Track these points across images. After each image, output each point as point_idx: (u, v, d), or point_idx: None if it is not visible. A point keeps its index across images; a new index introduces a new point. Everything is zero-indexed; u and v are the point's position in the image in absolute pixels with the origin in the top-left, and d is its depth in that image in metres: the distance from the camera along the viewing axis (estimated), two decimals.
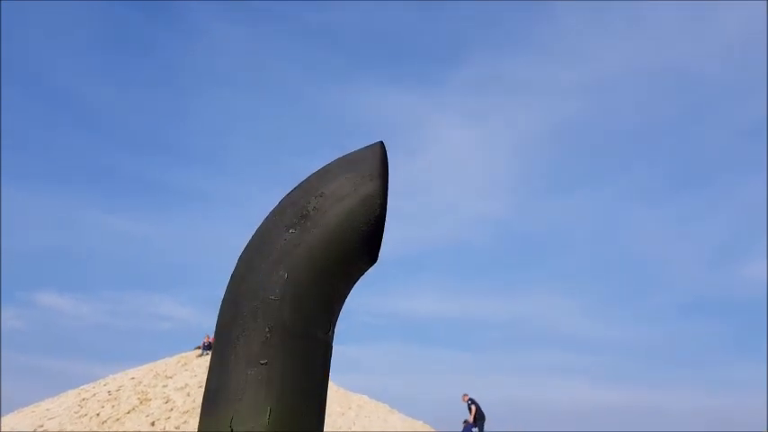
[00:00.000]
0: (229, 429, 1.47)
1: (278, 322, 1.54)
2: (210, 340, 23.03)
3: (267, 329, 1.53)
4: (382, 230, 1.69)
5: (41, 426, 17.00)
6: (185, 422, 17.47)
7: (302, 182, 1.72)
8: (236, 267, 1.67)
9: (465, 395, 21.61)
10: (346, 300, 1.74)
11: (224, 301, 1.64)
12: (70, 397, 19.72)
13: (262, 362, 1.51)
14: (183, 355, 23.51)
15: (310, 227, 1.62)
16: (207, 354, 22.78)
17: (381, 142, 1.76)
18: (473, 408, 21.10)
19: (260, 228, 1.69)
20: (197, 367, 21.82)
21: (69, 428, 16.67)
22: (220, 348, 1.57)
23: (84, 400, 19.04)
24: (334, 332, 1.66)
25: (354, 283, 1.74)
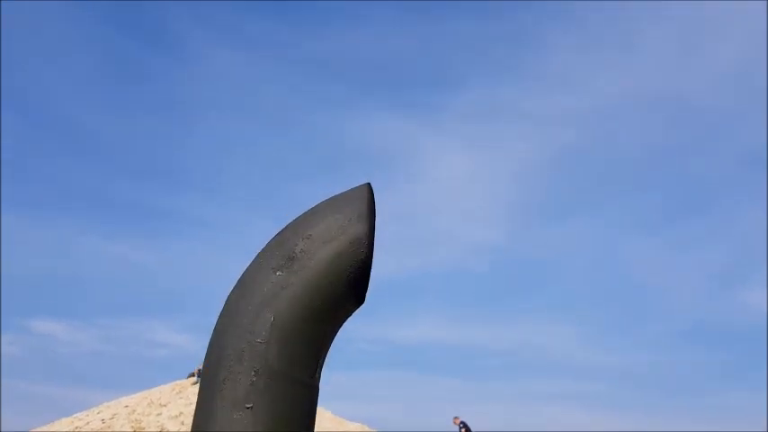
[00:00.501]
0: None
1: (264, 366, 1.55)
2: None
3: (253, 373, 1.54)
4: (369, 273, 1.70)
5: None
6: None
7: (289, 223, 1.74)
8: (222, 309, 1.68)
9: (456, 418, 21.44)
10: (333, 341, 1.74)
11: (210, 342, 1.64)
12: (64, 425, 19.49)
13: (247, 405, 1.51)
14: (178, 382, 23.29)
15: (297, 269, 1.64)
16: None
17: (368, 184, 1.78)
18: (464, 431, 20.94)
19: (247, 269, 1.70)
20: (192, 395, 21.60)
21: None
22: (207, 390, 1.57)
23: (77, 428, 18.82)
24: (320, 375, 1.66)
25: (341, 325, 1.74)
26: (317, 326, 1.64)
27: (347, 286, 1.66)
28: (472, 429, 21.08)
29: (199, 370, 22.99)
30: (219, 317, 1.67)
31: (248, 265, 1.71)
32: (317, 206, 1.76)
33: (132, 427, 18.62)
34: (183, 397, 21.29)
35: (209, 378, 1.58)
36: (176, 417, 19.42)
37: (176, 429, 18.43)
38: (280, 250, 1.68)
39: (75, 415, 20.36)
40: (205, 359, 1.63)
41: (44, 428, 19.31)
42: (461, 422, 21.06)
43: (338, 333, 1.78)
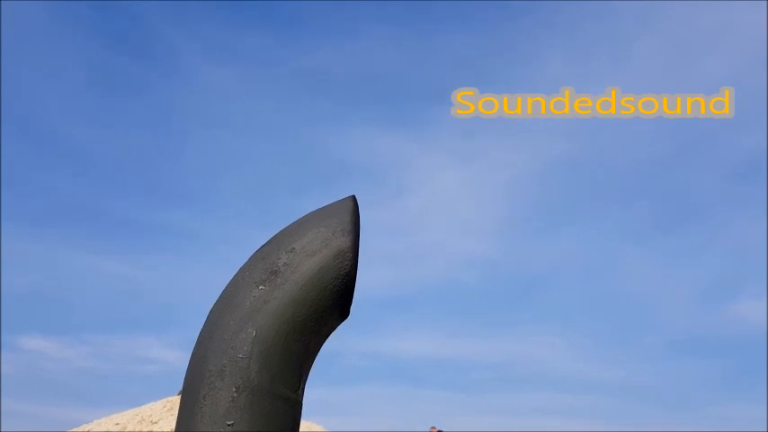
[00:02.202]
0: None
1: (245, 382, 1.52)
2: None
3: (234, 389, 1.51)
4: (353, 286, 1.68)
5: None
6: None
7: (273, 237, 1.72)
8: (204, 324, 1.65)
9: (433, 428, 21.16)
10: (317, 356, 1.72)
11: (192, 357, 1.61)
12: None
13: (228, 423, 1.48)
14: (170, 399, 23.07)
15: (280, 283, 1.61)
16: None
17: (353, 196, 1.76)
18: None
19: (229, 283, 1.68)
20: None
21: None
22: (187, 407, 1.54)
23: None
24: (303, 390, 1.63)
25: (325, 339, 1.72)
26: (300, 340, 1.61)
27: (331, 300, 1.64)
28: None
29: None
30: (201, 332, 1.64)
31: (231, 278, 1.69)
32: (300, 219, 1.74)
33: None
34: (173, 414, 21.09)
35: (190, 394, 1.55)
36: None
37: None
38: (262, 264, 1.66)
39: None
40: (186, 375, 1.60)
41: None
42: (438, 431, 20.86)
43: (324, 347, 1.75)
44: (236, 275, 1.69)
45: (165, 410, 21.43)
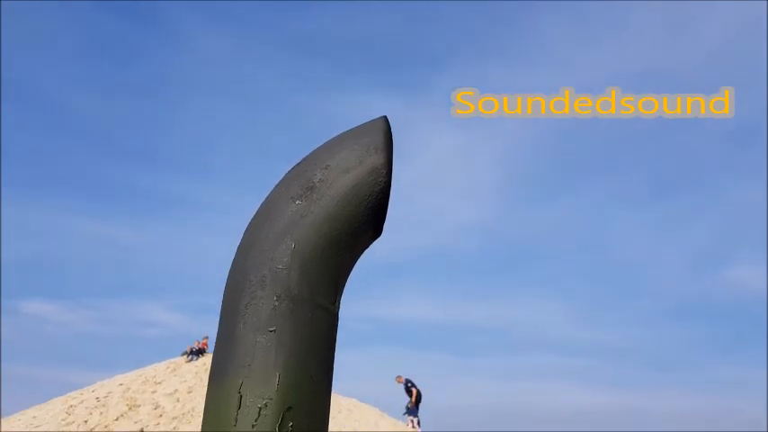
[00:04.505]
0: (238, 395, 1.48)
1: (286, 291, 1.56)
2: (200, 346, 22.91)
3: (275, 298, 1.55)
4: (387, 203, 1.72)
5: None
6: (175, 428, 17.34)
7: (307, 155, 1.74)
8: (243, 238, 1.69)
9: (399, 377, 20.25)
10: (350, 273, 1.76)
11: (231, 270, 1.65)
12: (57, 404, 19.52)
13: (270, 329, 1.53)
14: (172, 360, 23.34)
15: (316, 198, 1.65)
16: (196, 359, 22.63)
17: (385, 117, 1.78)
18: (414, 390, 19.86)
19: (266, 199, 1.71)
20: (186, 373, 21.67)
21: None
22: (229, 317, 1.58)
23: (71, 407, 18.85)
24: (339, 304, 1.68)
25: (358, 256, 1.76)
26: (336, 254, 1.65)
27: (365, 216, 1.67)
28: (420, 391, 19.98)
29: (191, 348, 23.04)
30: (240, 245, 1.68)
31: (267, 195, 1.72)
32: (334, 138, 1.76)
33: (127, 404, 18.67)
34: (177, 375, 21.35)
35: (231, 304, 1.60)
36: (171, 394, 19.48)
37: (171, 406, 18.51)
38: (298, 180, 1.68)
39: (68, 394, 20.40)
40: (226, 286, 1.64)
41: (38, 408, 19.35)
42: (407, 380, 20.07)
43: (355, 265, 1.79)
44: (272, 192, 1.72)
45: (169, 371, 21.70)
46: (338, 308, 1.67)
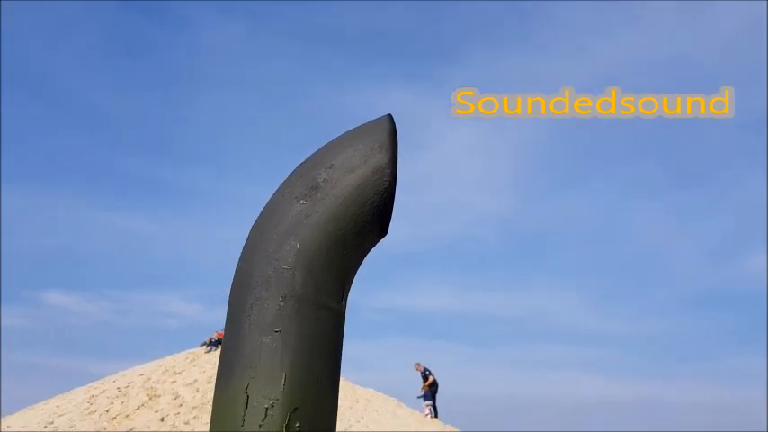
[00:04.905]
0: (245, 395, 1.49)
1: (291, 291, 1.56)
2: (219, 336, 23.15)
3: (281, 298, 1.55)
4: (392, 202, 1.71)
5: (51, 422, 17.11)
6: (195, 417, 17.57)
7: (311, 155, 1.74)
8: (248, 237, 1.69)
9: (418, 364, 20.80)
10: (356, 273, 1.76)
11: (237, 270, 1.66)
12: (79, 394, 19.85)
13: (276, 329, 1.53)
14: (191, 351, 23.62)
15: (321, 198, 1.64)
16: (215, 350, 22.87)
17: (390, 115, 1.77)
18: (430, 378, 20.39)
19: (271, 199, 1.71)
20: (205, 363, 21.92)
21: (79, 425, 16.79)
22: (235, 317, 1.59)
23: (93, 396, 19.16)
24: (346, 303, 1.68)
25: (365, 255, 1.76)
26: (341, 254, 1.65)
27: (370, 215, 1.67)
28: (436, 379, 20.58)
29: (210, 339, 23.29)
30: (245, 245, 1.68)
31: (271, 195, 1.72)
32: (338, 137, 1.76)
33: (147, 394, 18.94)
34: (196, 365, 21.61)
35: (237, 305, 1.60)
36: (191, 384, 19.72)
37: (191, 396, 18.75)
38: (302, 180, 1.68)
39: (90, 384, 20.74)
40: (232, 287, 1.65)
41: (61, 397, 19.69)
42: (424, 368, 20.67)
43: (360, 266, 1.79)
44: (276, 192, 1.72)
45: (188, 362, 21.97)
46: (344, 308, 1.67)
